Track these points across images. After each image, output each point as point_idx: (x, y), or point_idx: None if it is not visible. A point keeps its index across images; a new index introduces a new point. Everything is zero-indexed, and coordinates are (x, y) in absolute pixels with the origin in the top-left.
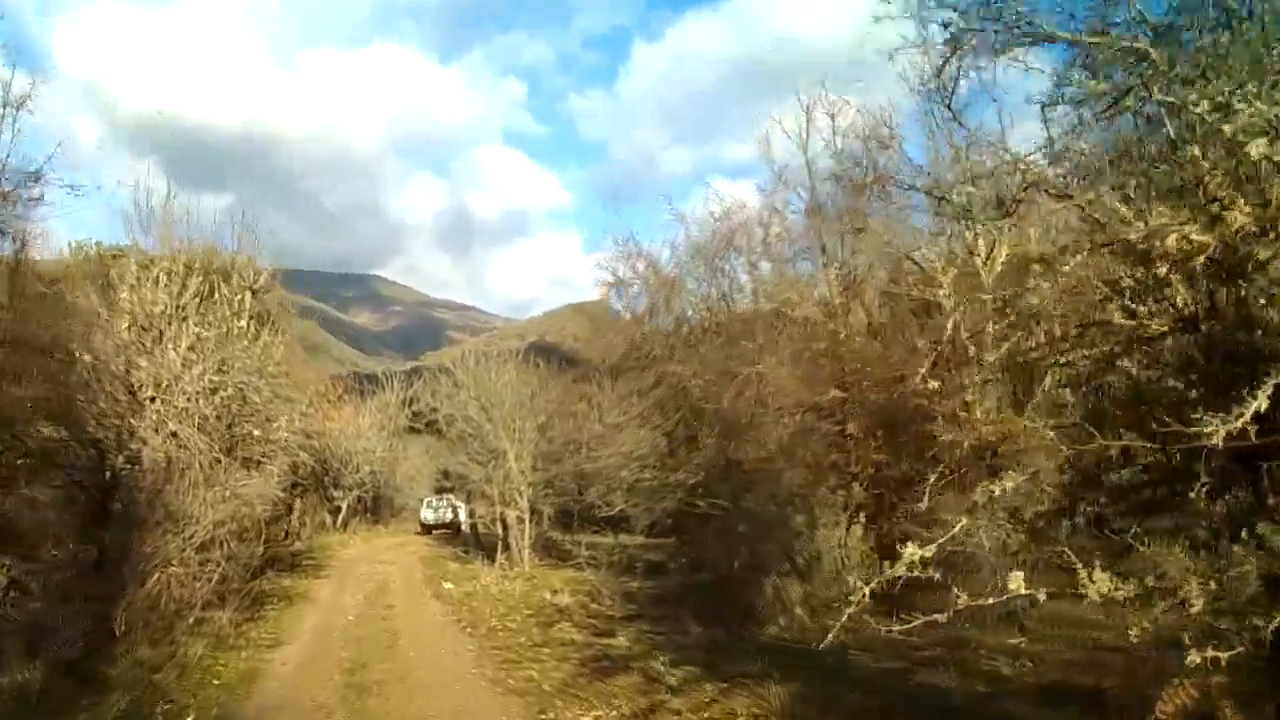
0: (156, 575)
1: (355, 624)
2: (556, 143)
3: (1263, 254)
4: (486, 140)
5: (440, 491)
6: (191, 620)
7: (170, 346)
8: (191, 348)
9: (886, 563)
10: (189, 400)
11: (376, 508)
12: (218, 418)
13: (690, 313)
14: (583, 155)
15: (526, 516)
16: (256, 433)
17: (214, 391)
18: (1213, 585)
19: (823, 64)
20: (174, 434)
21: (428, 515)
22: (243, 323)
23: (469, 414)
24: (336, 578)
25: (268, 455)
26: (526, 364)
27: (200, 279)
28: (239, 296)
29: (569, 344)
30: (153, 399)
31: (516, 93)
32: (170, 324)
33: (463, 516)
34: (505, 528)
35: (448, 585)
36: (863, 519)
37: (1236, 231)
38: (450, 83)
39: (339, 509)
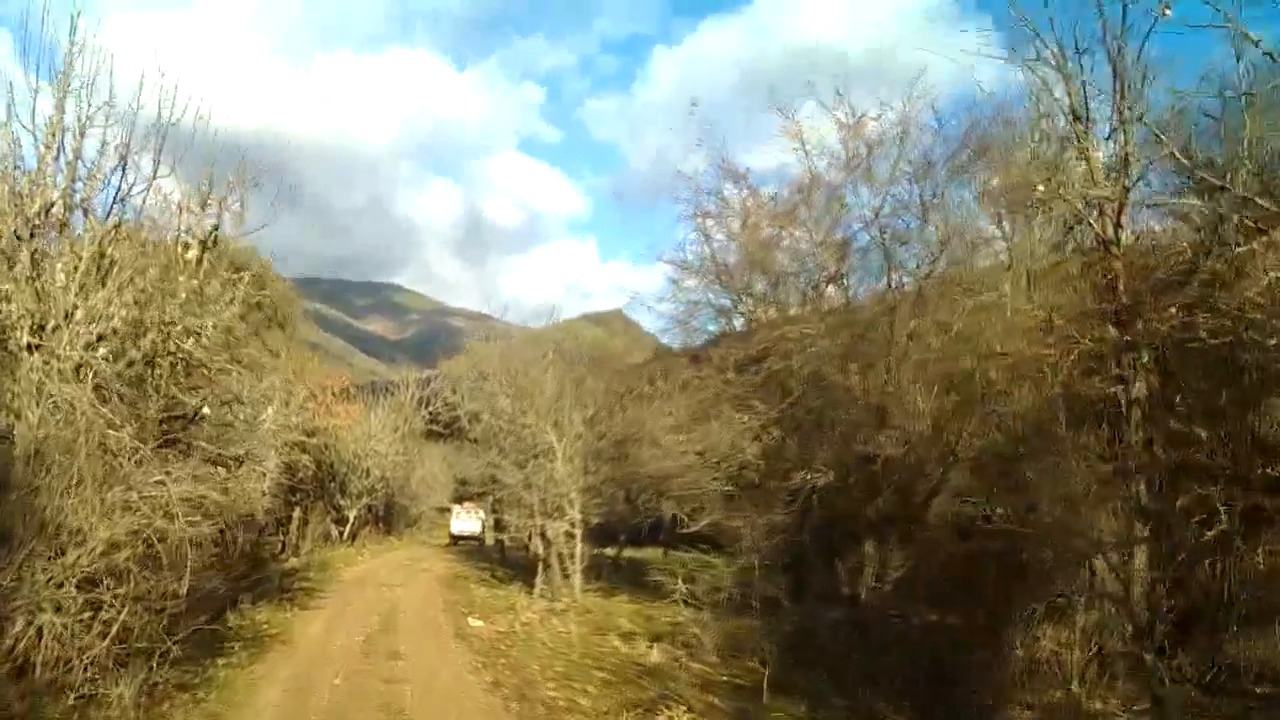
0: (21, 624)
1: (342, 690)
2: (573, 149)
3: None
4: (503, 146)
5: (460, 500)
6: (72, 700)
7: (59, 267)
8: (96, 271)
9: None
10: (86, 349)
11: (389, 518)
12: (132, 380)
13: (807, 248)
14: (600, 162)
15: (578, 531)
16: (207, 411)
17: (135, 336)
18: None
19: (842, 70)
20: (56, 403)
21: (458, 526)
22: (190, 255)
23: (499, 406)
24: (333, 607)
25: (248, 448)
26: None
27: (116, 160)
28: (181, 216)
29: (586, 352)
30: (31, 348)
31: (534, 98)
32: (60, 231)
33: (478, 528)
34: (547, 544)
35: (476, 622)
36: (1148, 532)
37: None
38: (467, 88)
39: (346, 519)
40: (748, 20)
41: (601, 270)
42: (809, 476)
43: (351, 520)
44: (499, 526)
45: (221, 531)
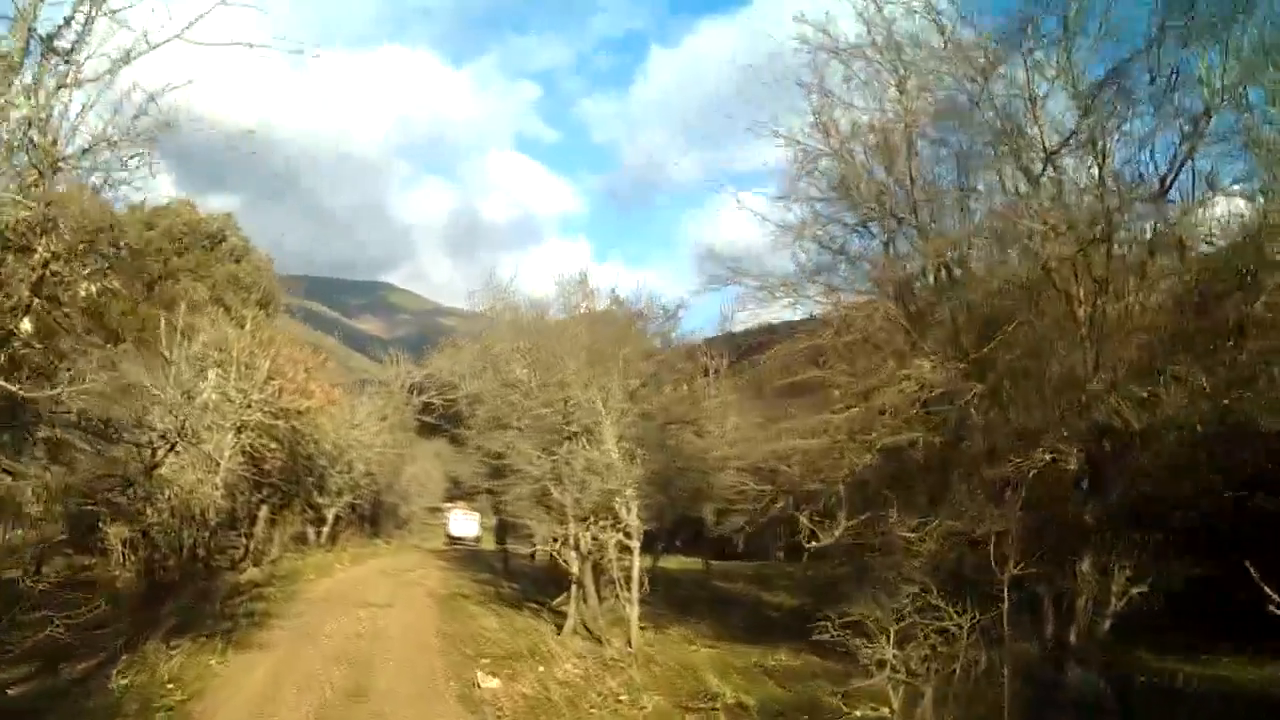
0: None
1: None
2: (569, 149)
3: None
4: (497, 145)
5: (451, 500)
6: None
7: None
8: None
9: None
10: None
11: (375, 518)
12: None
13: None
14: (596, 162)
15: (636, 543)
16: (28, 327)
17: None
18: None
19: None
20: None
21: (457, 528)
22: (64, 97)
23: (514, 377)
24: (286, 645)
25: (182, 422)
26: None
27: None
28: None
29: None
30: None
31: (529, 96)
32: None
33: (476, 530)
34: (582, 559)
35: (490, 680)
36: None
37: None
38: (461, 85)
39: (324, 519)
40: (746, 21)
41: (595, 271)
42: (1046, 455)
43: (331, 521)
44: (504, 532)
45: (144, 534)
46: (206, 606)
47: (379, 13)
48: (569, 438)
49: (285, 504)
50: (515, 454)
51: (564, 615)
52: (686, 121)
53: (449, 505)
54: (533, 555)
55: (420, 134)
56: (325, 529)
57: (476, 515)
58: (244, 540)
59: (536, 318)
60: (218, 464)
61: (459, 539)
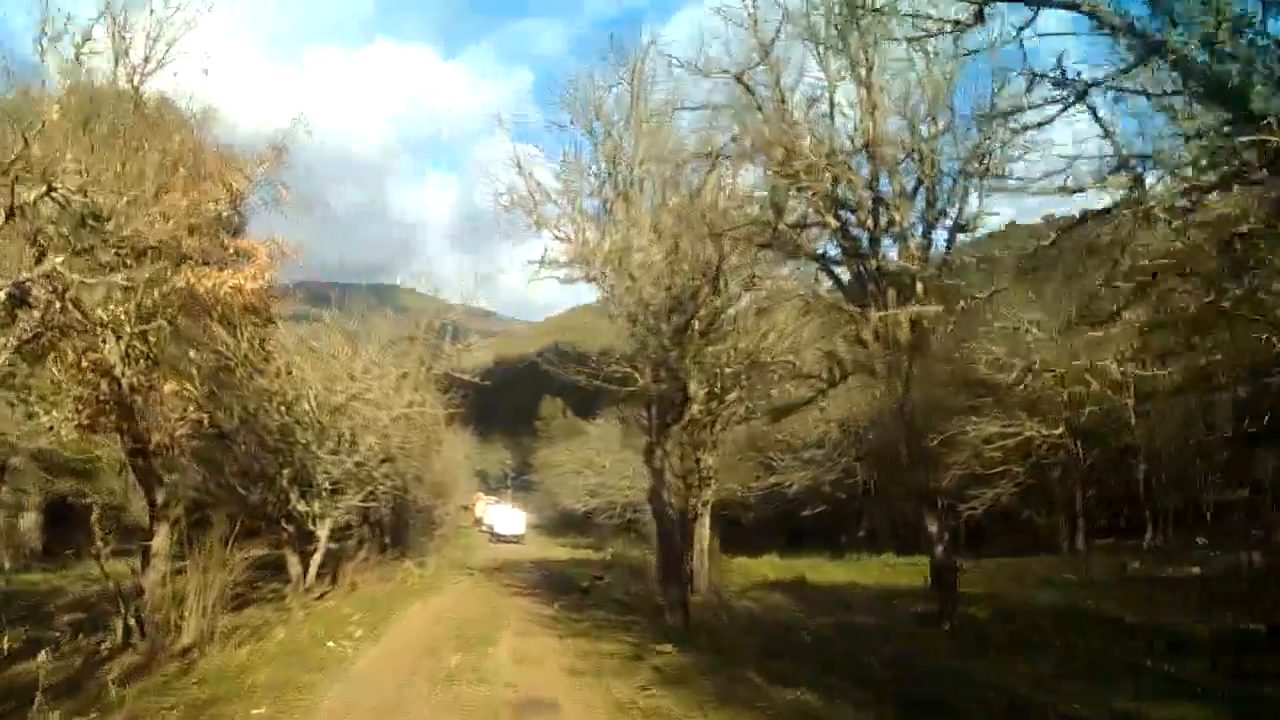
0: None
1: None
2: (569, 133)
3: None
4: (496, 134)
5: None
6: None
7: None
8: None
9: None
10: None
11: (399, 528)
12: None
13: None
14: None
15: None
16: None
17: None
18: None
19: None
20: None
21: (501, 525)
22: None
23: None
24: None
25: None
26: None
27: None
28: None
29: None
30: None
31: (525, 83)
32: None
33: (523, 527)
34: None
35: None
36: None
37: None
38: (456, 76)
39: (315, 539)
40: None
41: None
42: None
43: (324, 540)
44: (674, 528)
45: None
46: None
47: (370, 9)
48: None
49: (231, 516)
50: None
51: None
52: (683, 94)
53: (484, 499)
54: (685, 585)
55: (419, 128)
56: (315, 555)
57: (520, 511)
58: (119, 604)
59: None
60: None
61: (502, 537)
